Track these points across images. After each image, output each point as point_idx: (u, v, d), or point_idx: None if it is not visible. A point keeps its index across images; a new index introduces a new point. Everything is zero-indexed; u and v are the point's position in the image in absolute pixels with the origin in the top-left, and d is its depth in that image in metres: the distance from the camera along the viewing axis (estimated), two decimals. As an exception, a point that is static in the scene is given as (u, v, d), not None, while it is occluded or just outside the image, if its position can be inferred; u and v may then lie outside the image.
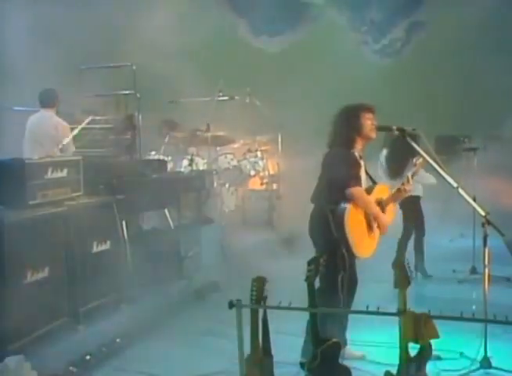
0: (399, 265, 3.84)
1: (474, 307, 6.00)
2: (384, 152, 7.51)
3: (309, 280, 4.23)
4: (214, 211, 8.78)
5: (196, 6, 12.18)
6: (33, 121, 7.37)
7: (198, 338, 5.82)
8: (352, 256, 4.90)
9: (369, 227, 4.99)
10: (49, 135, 7.12)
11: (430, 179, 7.36)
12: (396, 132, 5.04)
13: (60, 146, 6.84)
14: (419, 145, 4.99)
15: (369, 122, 5.00)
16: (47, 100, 7.39)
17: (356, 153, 5.04)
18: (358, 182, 4.93)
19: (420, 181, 7.29)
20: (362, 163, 5.08)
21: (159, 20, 11.21)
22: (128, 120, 7.94)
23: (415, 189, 7.52)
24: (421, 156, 4.99)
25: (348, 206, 4.79)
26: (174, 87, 10.02)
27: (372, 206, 4.95)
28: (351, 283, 5.05)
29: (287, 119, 10.97)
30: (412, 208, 7.82)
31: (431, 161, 5.00)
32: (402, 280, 3.80)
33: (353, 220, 4.82)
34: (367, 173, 5.18)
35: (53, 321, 5.12)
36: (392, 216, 5.17)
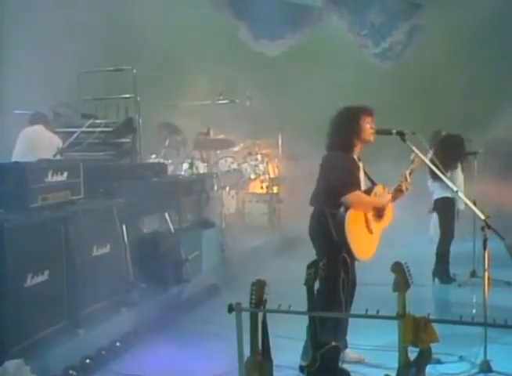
0: (398, 268, 3.83)
1: (474, 311, 6.02)
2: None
3: (308, 284, 4.23)
4: (215, 215, 8.78)
5: (197, 9, 12.22)
6: (26, 134, 7.44)
7: (198, 342, 5.82)
8: (353, 259, 4.91)
9: (369, 230, 4.99)
10: (43, 149, 7.13)
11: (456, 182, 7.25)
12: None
13: (58, 151, 6.83)
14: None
15: (368, 126, 5.01)
16: (35, 119, 7.49)
17: (355, 156, 5.05)
18: (356, 186, 4.93)
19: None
20: (360, 165, 5.09)
21: (159, 23, 11.26)
22: (128, 123, 7.95)
23: (444, 190, 7.56)
24: (421, 158, 5.00)
25: (348, 211, 4.80)
26: (175, 90, 10.04)
27: (371, 204, 4.97)
28: (350, 286, 5.06)
29: (288, 122, 11.00)
30: (443, 211, 7.84)
31: (432, 165, 5.02)
32: (401, 283, 3.79)
33: (353, 224, 4.82)
34: (366, 175, 5.18)
35: (53, 324, 5.10)
36: (391, 217, 5.17)
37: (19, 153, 7.37)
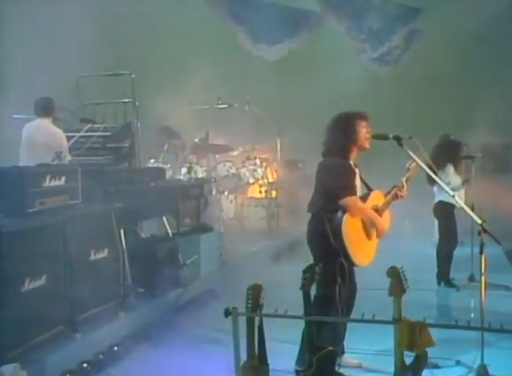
0: (394, 272, 3.83)
1: (472, 315, 6.03)
2: None
3: (304, 288, 4.23)
4: (213, 219, 8.79)
5: (196, 14, 12.25)
6: (29, 129, 7.35)
7: (196, 346, 5.81)
8: (351, 265, 4.90)
9: (367, 235, 4.99)
10: (45, 144, 7.10)
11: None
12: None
13: (57, 155, 6.83)
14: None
15: (364, 130, 5.01)
16: (42, 110, 7.34)
17: (351, 162, 5.05)
18: (351, 191, 4.92)
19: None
20: (356, 171, 5.09)
21: (158, 28, 11.28)
22: (126, 128, 7.96)
23: (441, 195, 7.56)
24: (417, 163, 5.01)
25: (345, 215, 4.79)
26: (174, 94, 10.05)
27: (367, 212, 4.95)
28: (351, 292, 5.06)
29: (286, 126, 11.01)
30: (442, 216, 7.87)
31: (428, 170, 5.02)
32: (397, 287, 3.79)
33: (350, 229, 4.81)
34: (362, 180, 5.19)
35: (50, 329, 5.10)
36: (389, 222, 5.17)
37: (21, 152, 7.35)
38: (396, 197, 5.13)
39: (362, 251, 4.92)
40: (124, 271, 6.18)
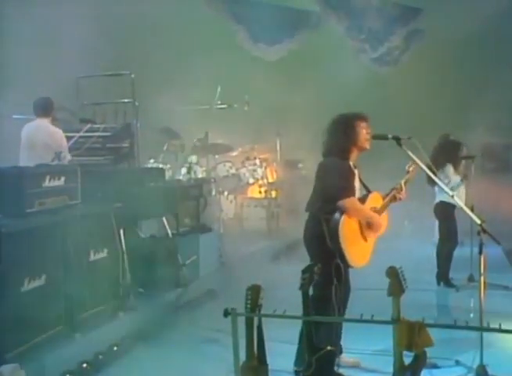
0: (392, 272, 3.84)
1: (471, 315, 6.03)
2: None
3: (303, 289, 4.23)
4: (213, 219, 8.80)
5: (195, 13, 12.25)
6: (28, 129, 7.36)
7: (196, 346, 5.82)
8: (346, 265, 4.90)
9: (364, 237, 4.98)
10: (45, 144, 7.11)
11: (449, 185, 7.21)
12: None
13: (56, 155, 6.83)
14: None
15: (363, 131, 5.01)
16: (42, 110, 7.36)
17: (350, 163, 5.05)
18: (350, 192, 4.91)
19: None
20: (355, 172, 5.09)
21: (157, 28, 11.28)
22: (126, 128, 7.96)
23: (441, 195, 7.58)
24: (416, 164, 5.01)
25: (342, 216, 4.79)
26: (173, 94, 10.06)
27: (364, 212, 4.95)
28: (345, 292, 5.05)
29: (286, 127, 11.02)
30: (443, 216, 7.89)
31: (427, 170, 5.02)
32: (396, 287, 3.80)
33: (347, 230, 4.81)
34: (362, 182, 5.19)
35: (50, 329, 5.10)
36: (386, 225, 5.16)
37: (21, 153, 7.36)
38: (395, 199, 5.14)
39: (358, 253, 4.91)
40: (123, 271, 6.19)
